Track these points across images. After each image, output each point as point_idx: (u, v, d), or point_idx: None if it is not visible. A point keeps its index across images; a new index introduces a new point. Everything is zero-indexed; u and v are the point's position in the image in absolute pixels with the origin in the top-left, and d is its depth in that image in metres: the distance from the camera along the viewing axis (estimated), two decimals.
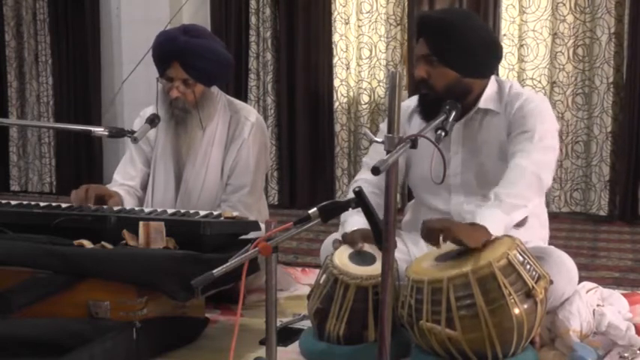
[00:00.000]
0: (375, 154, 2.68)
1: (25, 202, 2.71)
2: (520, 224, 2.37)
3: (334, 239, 2.50)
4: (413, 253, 2.60)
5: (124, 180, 3.02)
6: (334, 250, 2.43)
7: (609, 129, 4.86)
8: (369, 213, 1.82)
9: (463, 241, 2.18)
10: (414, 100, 2.76)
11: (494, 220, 2.23)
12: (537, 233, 2.61)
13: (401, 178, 2.74)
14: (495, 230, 2.21)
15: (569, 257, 2.44)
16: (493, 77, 2.60)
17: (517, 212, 2.30)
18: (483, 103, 2.55)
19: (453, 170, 2.59)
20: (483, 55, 2.52)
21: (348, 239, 2.41)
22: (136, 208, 2.75)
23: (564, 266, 2.39)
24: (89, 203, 2.69)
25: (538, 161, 2.39)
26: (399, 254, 2.33)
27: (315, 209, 1.82)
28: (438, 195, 2.61)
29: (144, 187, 3.05)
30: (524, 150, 2.41)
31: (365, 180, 2.60)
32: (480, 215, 2.24)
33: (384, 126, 2.80)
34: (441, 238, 2.18)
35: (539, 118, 2.47)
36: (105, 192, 2.81)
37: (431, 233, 2.19)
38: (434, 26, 2.51)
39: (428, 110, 2.50)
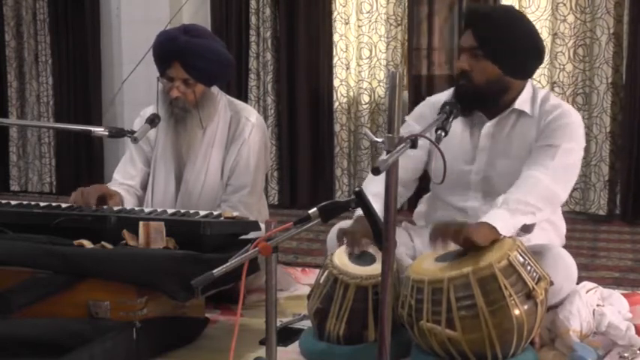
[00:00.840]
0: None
1: (25, 202, 2.71)
2: (526, 230, 2.37)
3: (339, 229, 2.47)
4: (418, 247, 2.59)
5: (123, 179, 3.02)
6: (338, 247, 2.42)
7: (608, 129, 4.85)
8: (369, 213, 1.82)
9: (475, 241, 2.18)
10: (445, 95, 2.74)
11: (502, 220, 2.23)
12: (548, 237, 2.60)
13: (420, 169, 2.69)
14: (504, 229, 2.21)
15: (568, 253, 2.44)
16: (530, 81, 2.60)
17: (523, 216, 2.30)
18: (519, 104, 2.54)
19: (477, 167, 2.58)
20: (528, 56, 2.52)
21: (350, 240, 2.39)
22: (136, 208, 2.75)
23: (563, 262, 2.39)
24: (91, 201, 2.68)
25: (555, 177, 2.40)
26: (402, 247, 2.33)
27: (315, 209, 1.82)
28: (456, 191, 2.59)
29: (144, 186, 3.05)
30: (544, 165, 2.41)
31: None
32: (488, 216, 2.25)
33: (409, 118, 2.75)
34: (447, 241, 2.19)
35: (567, 136, 2.47)
36: (106, 191, 2.81)
37: (444, 235, 2.20)
38: (485, 19, 2.50)
39: (463, 103, 2.45)
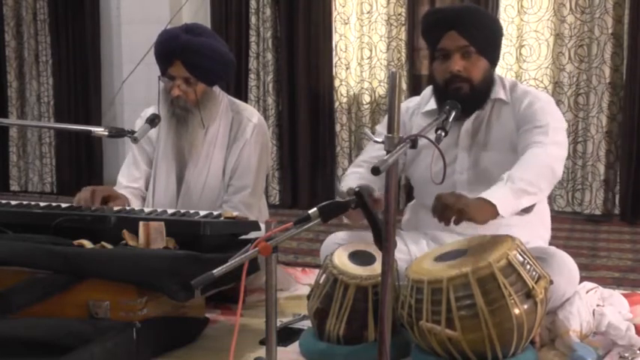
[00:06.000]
0: (371, 151, 2.69)
1: (25, 202, 2.71)
2: (527, 210, 2.35)
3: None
4: (413, 252, 2.59)
5: (128, 182, 3.02)
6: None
7: (605, 129, 4.86)
8: (369, 213, 1.82)
9: (476, 220, 2.17)
10: (413, 101, 2.75)
11: (504, 199, 2.22)
12: (538, 233, 2.61)
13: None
14: (504, 210, 2.20)
15: (571, 258, 2.44)
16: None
17: (526, 198, 2.28)
18: (495, 93, 2.56)
19: (460, 166, 2.58)
20: (500, 43, 2.62)
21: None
22: (136, 208, 2.75)
23: (565, 267, 2.39)
24: (96, 201, 2.68)
25: (552, 154, 2.40)
26: (399, 254, 2.33)
27: (315, 209, 1.82)
28: None
29: (148, 187, 3.05)
30: (540, 142, 2.41)
31: (357, 173, 2.60)
32: (490, 193, 2.23)
33: (380, 127, 2.79)
34: (452, 219, 2.18)
35: (550, 116, 2.49)
36: (111, 193, 2.81)
37: (445, 211, 2.18)
38: (468, 17, 2.52)
39: (466, 105, 2.46)
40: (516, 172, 2.30)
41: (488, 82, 2.53)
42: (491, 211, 2.20)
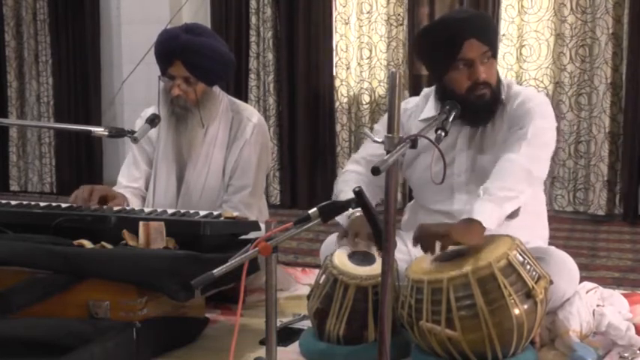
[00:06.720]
0: (370, 148, 2.69)
1: (25, 202, 2.71)
2: (512, 216, 2.35)
3: (338, 234, 2.48)
4: (413, 252, 2.59)
5: (128, 182, 3.02)
6: (338, 247, 2.42)
7: (607, 129, 4.85)
8: (369, 213, 1.82)
9: (464, 242, 2.18)
10: (411, 102, 2.74)
11: (486, 212, 2.22)
12: (537, 233, 2.61)
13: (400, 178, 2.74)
14: (489, 223, 2.20)
15: (571, 258, 2.44)
16: None
17: (508, 203, 2.28)
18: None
19: (458, 168, 2.58)
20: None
21: (353, 238, 2.38)
22: (136, 208, 2.75)
23: (565, 267, 2.39)
24: (93, 200, 2.69)
25: (528, 155, 2.37)
26: (399, 254, 2.33)
27: (315, 209, 1.82)
28: (441, 195, 2.59)
29: (148, 187, 3.05)
30: (517, 146, 2.39)
31: (355, 172, 2.60)
32: (471, 211, 2.23)
33: (378, 126, 2.78)
34: (437, 245, 2.18)
35: (536, 116, 2.46)
36: (108, 192, 2.81)
37: (427, 240, 2.20)
38: (485, 22, 2.52)
39: (486, 111, 2.48)
40: (491, 183, 2.30)
41: (500, 81, 2.53)
42: (477, 229, 2.19)
